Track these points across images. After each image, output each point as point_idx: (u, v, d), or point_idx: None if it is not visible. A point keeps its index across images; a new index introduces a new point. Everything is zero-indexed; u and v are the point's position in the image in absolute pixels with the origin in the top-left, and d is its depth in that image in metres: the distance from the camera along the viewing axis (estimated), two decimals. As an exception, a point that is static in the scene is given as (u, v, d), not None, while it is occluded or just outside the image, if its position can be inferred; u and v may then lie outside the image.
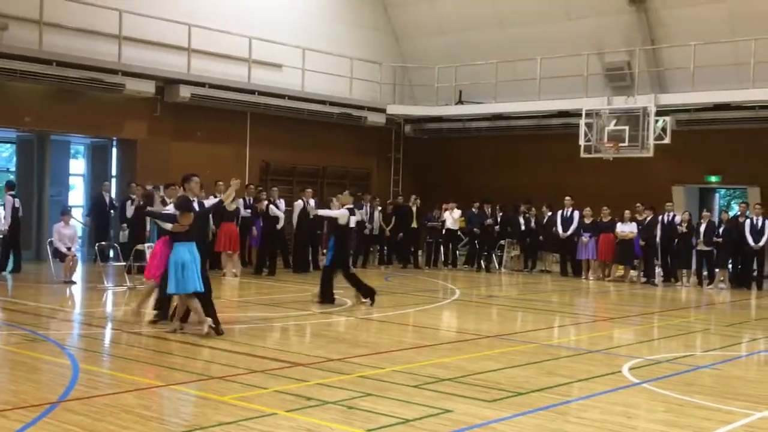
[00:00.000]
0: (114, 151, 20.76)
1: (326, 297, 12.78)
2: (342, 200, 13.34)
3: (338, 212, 13.06)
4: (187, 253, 9.48)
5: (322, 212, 13.76)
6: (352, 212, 13.32)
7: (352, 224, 13.77)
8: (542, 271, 20.29)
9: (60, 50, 17.50)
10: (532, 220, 20.36)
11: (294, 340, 10.06)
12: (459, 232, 21.39)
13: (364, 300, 12.91)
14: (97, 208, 18.67)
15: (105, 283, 14.55)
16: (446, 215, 20.66)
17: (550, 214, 20.16)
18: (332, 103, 22.74)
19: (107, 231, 18.49)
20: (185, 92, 19.47)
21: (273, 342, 9.67)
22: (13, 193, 16.19)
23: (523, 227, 20.31)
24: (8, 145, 22.42)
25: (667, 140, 19.62)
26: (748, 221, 17.52)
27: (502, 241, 20.95)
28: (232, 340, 9.49)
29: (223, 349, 8.80)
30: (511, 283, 18.36)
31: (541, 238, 20.27)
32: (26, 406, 6.15)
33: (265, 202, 17.55)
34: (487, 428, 5.90)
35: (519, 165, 23.93)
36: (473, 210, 20.60)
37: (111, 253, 17.25)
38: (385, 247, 20.91)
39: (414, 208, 20.73)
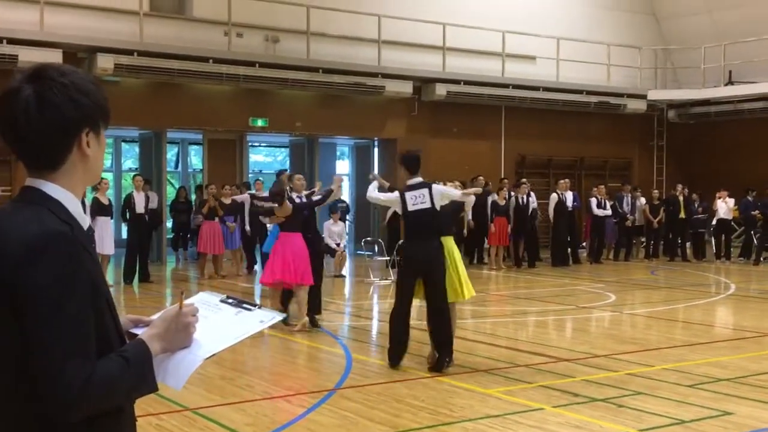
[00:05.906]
0: (375, 150, 21.67)
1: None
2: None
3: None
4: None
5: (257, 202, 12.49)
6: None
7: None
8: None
9: (325, 57, 18.56)
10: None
11: (554, 334, 9.91)
12: (732, 222, 19.89)
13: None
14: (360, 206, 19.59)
15: (371, 276, 15.24)
16: (719, 204, 19.29)
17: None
18: (589, 92, 22.09)
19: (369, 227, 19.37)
20: (441, 90, 19.87)
21: (534, 336, 9.58)
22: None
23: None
24: (283, 149, 24.21)
25: None
26: None
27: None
28: (494, 333, 9.54)
29: (484, 342, 8.86)
30: (794, 276, 16.76)
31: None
32: (307, 392, 6.58)
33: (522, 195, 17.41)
34: (775, 434, 5.42)
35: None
36: (748, 198, 19.00)
37: (375, 248, 18.03)
38: (652, 240, 19.92)
39: (681, 198, 19.59)
